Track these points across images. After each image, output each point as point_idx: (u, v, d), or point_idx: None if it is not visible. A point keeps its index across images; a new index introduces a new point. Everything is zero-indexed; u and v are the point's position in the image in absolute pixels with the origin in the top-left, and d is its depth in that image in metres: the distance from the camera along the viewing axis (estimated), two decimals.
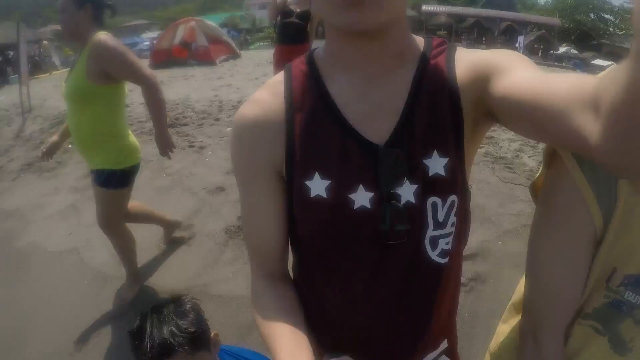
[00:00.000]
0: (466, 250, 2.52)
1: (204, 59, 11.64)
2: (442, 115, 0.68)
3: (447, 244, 0.73)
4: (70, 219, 3.69)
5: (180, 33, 12.43)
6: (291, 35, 4.12)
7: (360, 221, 0.69)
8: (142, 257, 2.92)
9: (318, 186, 0.68)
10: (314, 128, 0.69)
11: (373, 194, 0.68)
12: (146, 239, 3.10)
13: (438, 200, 0.69)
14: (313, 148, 0.69)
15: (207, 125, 5.51)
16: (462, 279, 2.84)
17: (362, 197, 0.68)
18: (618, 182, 0.65)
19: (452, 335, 0.91)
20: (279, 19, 4.15)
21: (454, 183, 0.69)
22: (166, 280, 2.81)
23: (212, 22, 15.66)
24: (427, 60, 0.70)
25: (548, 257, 0.76)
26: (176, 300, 1.29)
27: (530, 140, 5.05)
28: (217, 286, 2.74)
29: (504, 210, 3.49)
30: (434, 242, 0.72)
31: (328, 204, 0.68)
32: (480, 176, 4.09)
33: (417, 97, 0.68)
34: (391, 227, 0.68)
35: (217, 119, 5.67)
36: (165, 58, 11.75)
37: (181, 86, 8.12)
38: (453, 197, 0.69)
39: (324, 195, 0.68)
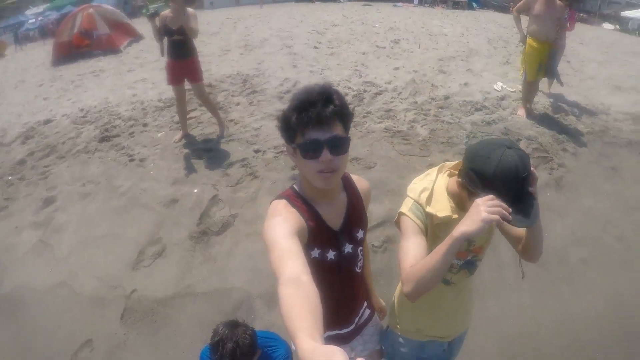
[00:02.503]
0: (377, 219, 3.51)
1: (108, 47, 11.48)
2: (359, 211, 1.73)
3: (360, 265, 1.82)
4: (44, 255, 4.05)
5: (79, 21, 12.10)
6: (179, 52, 4.87)
7: (331, 263, 1.65)
8: (126, 275, 3.60)
9: (315, 253, 1.60)
10: (313, 227, 1.54)
11: (336, 252, 1.65)
12: (125, 257, 3.75)
13: (359, 249, 1.76)
14: (313, 235, 1.55)
15: (138, 133, 5.74)
16: (377, 243, 3.85)
17: (331, 254, 1.64)
18: (427, 218, 1.66)
19: (368, 298, 2.06)
20: (165, 39, 4.86)
21: (364, 240, 1.79)
22: (155, 290, 3.50)
23: None
24: (347, 184, 1.71)
25: (410, 247, 1.63)
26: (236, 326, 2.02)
27: (423, 110, 5.96)
28: (199, 285, 3.50)
29: (403, 181, 4.34)
30: (358, 265, 1.80)
31: (318, 259, 1.61)
32: (382, 152, 4.95)
33: (349, 206, 1.68)
34: (343, 264, 1.71)
35: (145, 125, 5.95)
36: (68, 51, 11.45)
37: (94, 87, 8.13)
38: (361, 246, 1.78)
39: (317, 256, 1.61)
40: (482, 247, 1.82)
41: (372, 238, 3.84)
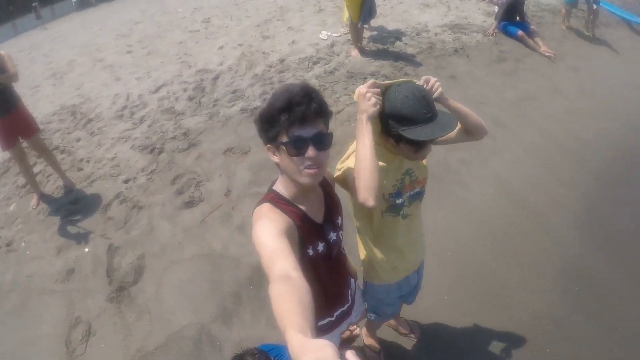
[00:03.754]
0: None
1: None
2: (334, 199, 1.83)
3: (343, 248, 1.96)
4: None
5: None
6: (3, 106, 4.02)
7: (323, 255, 1.75)
8: None
9: (309, 250, 1.69)
10: (300, 225, 1.60)
11: (324, 243, 1.74)
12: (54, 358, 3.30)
13: (341, 232, 1.87)
14: (302, 233, 1.62)
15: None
16: None
17: (321, 246, 1.73)
18: None
19: (352, 273, 2.22)
20: None
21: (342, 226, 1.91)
22: None
23: None
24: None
25: None
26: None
27: (266, 79, 5.91)
28: (148, 343, 3.06)
29: None
30: (342, 247, 1.93)
31: (312, 256, 1.70)
32: (250, 133, 4.78)
33: (326, 196, 1.78)
34: (333, 252, 1.81)
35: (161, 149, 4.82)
36: None
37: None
38: (342, 230, 1.89)
39: (312, 252, 1.70)
40: (425, 178, 2.10)
41: None
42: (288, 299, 1.07)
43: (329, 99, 5.42)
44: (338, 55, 6.50)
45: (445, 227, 3.92)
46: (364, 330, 3.02)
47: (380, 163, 1.76)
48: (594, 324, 3.49)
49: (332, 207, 1.81)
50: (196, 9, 8.76)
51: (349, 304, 2.10)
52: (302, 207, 1.65)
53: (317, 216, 1.73)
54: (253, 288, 3.29)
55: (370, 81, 1.74)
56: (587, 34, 9.35)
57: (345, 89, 5.65)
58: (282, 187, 1.65)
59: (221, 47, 6.97)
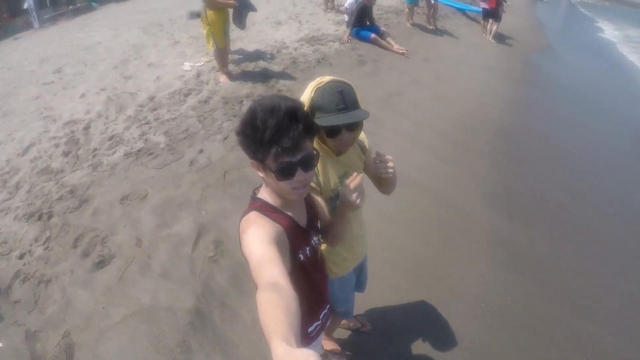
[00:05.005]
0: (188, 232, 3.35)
1: None
2: (312, 203, 1.84)
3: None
4: None
5: None
6: None
7: (311, 258, 1.75)
8: None
9: (301, 255, 1.68)
10: (290, 231, 1.56)
11: (308, 247, 1.73)
12: None
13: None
14: (292, 239, 1.58)
15: None
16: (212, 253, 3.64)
17: (307, 250, 1.72)
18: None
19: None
20: None
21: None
22: None
23: None
24: None
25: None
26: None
27: (141, 120, 5.54)
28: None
29: (179, 191, 4.28)
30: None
31: (303, 260, 1.69)
32: (141, 177, 4.52)
33: (305, 201, 1.76)
34: (318, 255, 1.86)
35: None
36: None
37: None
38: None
39: (302, 257, 1.69)
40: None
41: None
42: (275, 307, 1.03)
43: (210, 127, 5.24)
44: (207, 83, 6.30)
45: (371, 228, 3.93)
46: (322, 336, 2.98)
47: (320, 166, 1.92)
48: (521, 277, 4.13)
49: (311, 211, 1.80)
50: (43, 60, 7.90)
51: (328, 305, 2.11)
52: (290, 214, 1.61)
53: (302, 221, 1.71)
54: (198, 332, 3.04)
55: (358, 178, 1.70)
56: (430, 27, 10.30)
57: (224, 114, 5.50)
58: (267, 195, 1.61)
59: (83, 95, 6.36)
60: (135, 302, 3.24)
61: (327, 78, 1.83)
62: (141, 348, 2.95)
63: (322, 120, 1.74)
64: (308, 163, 1.45)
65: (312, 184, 1.87)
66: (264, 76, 6.43)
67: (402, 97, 6.79)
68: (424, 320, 3.52)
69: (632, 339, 3.94)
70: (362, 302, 2.95)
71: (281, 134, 1.35)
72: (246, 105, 5.65)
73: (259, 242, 1.36)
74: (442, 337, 3.41)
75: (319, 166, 1.91)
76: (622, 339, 3.89)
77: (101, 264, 3.57)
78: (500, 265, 4.27)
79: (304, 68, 6.85)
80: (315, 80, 1.83)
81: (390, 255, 3.90)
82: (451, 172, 5.51)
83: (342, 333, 3.23)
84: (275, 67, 6.73)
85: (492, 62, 10.34)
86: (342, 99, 1.76)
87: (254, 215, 1.53)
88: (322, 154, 1.89)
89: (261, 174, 1.52)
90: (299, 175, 1.44)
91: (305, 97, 1.81)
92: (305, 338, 1.95)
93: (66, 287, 3.38)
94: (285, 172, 1.42)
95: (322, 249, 2.18)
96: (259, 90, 6.00)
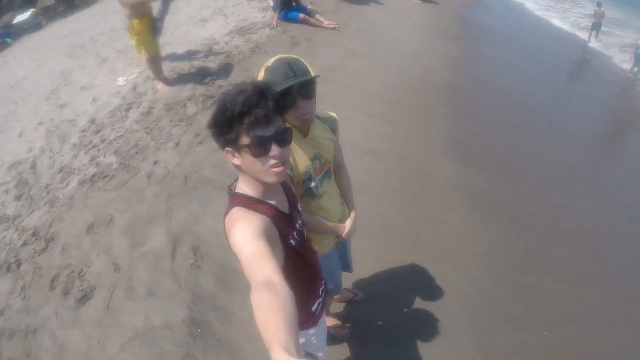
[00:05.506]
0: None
1: None
2: (288, 185, 1.80)
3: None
4: None
5: None
6: None
7: (300, 242, 1.72)
8: None
9: (291, 241, 1.65)
10: (276, 220, 1.53)
11: (295, 231, 1.69)
12: None
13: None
14: (280, 227, 1.55)
15: None
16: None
17: (295, 235, 1.68)
18: None
19: None
20: None
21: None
22: None
23: None
24: None
25: None
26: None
27: (87, 144, 5.24)
28: None
29: (143, 208, 4.07)
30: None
31: (295, 245, 1.67)
32: (99, 203, 4.28)
33: (283, 186, 1.72)
34: (305, 236, 1.86)
35: None
36: None
37: None
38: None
39: (294, 242, 1.66)
40: (331, 159, 2.16)
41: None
42: (271, 310, 0.99)
43: (159, 137, 5.02)
44: (145, 94, 6.01)
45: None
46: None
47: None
48: (494, 219, 4.38)
49: (290, 194, 1.77)
50: None
51: (323, 281, 2.08)
52: (272, 202, 1.56)
53: (285, 207, 1.66)
54: (199, 341, 2.94)
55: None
56: None
57: (170, 121, 5.27)
58: (246, 187, 1.54)
59: (21, 134, 5.94)
60: (129, 328, 3.10)
61: (274, 58, 1.82)
62: None
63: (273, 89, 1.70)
64: (282, 137, 1.41)
65: None
66: (202, 75, 6.18)
67: (342, 70, 6.70)
68: (410, 280, 3.58)
69: (597, 254, 4.21)
70: (348, 274, 2.92)
71: (251, 106, 1.33)
72: (190, 108, 5.44)
73: (247, 239, 1.30)
74: (432, 291, 3.50)
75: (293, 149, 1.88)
76: (589, 255, 4.15)
77: (84, 298, 3.39)
78: (471, 213, 4.36)
79: (240, 60, 6.62)
80: (263, 65, 1.82)
81: (363, 225, 3.89)
82: (403, 133, 5.55)
83: (337, 307, 3.21)
84: (210, 65, 6.47)
85: (422, 22, 10.37)
86: (291, 68, 1.74)
87: (237, 211, 1.46)
88: (298, 140, 1.91)
89: (237, 161, 1.46)
90: (275, 149, 1.39)
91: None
92: (311, 317, 1.93)
93: (55, 332, 3.20)
94: (260, 146, 1.37)
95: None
96: (200, 90, 5.76)
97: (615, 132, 7.92)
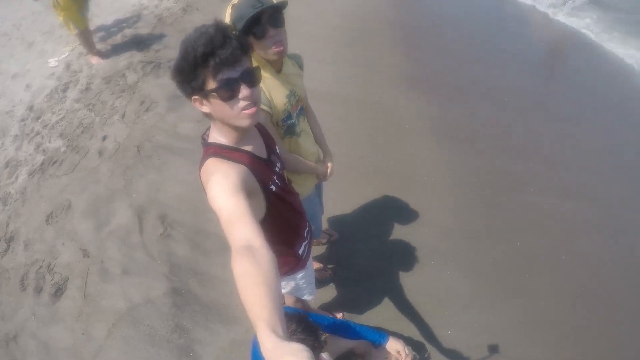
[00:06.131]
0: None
1: None
2: (264, 129, 1.64)
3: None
4: None
5: None
6: None
7: (280, 187, 1.56)
8: None
9: (272, 187, 1.51)
10: (253, 167, 1.38)
11: (275, 175, 1.54)
12: None
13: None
14: (259, 174, 1.41)
15: None
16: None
17: (275, 180, 1.53)
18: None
19: None
20: None
21: None
22: None
23: None
24: None
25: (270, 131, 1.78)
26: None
27: (29, 133, 4.73)
28: None
29: (100, 186, 3.67)
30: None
31: (276, 191, 1.52)
32: (54, 191, 3.88)
33: (259, 130, 1.58)
34: (285, 179, 1.70)
35: None
36: None
37: None
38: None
39: (275, 188, 1.52)
40: (304, 96, 2.06)
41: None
42: (254, 282, 0.89)
43: (103, 111, 4.56)
44: (81, 71, 5.45)
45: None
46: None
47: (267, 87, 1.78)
48: (466, 147, 4.32)
49: (267, 138, 1.62)
50: None
51: (307, 222, 1.95)
52: (248, 149, 1.43)
53: (262, 152, 1.52)
54: (185, 310, 2.73)
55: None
56: None
57: (112, 94, 4.80)
58: (219, 135, 1.39)
59: None
60: (112, 312, 2.85)
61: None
62: (140, 352, 2.63)
63: (242, 22, 1.59)
64: (251, 77, 1.27)
65: (264, 107, 1.74)
66: (136, 42, 5.64)
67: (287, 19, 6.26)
68: (381, 213, 3.52)
69: (558, 164, 4.06)
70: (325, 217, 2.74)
71: (215, 47, 1.18)
72: (130, 76, 4.98)
73: (224, 195, 1.17)
74: (404, 220, 3.39)
75: (264, 90, 1.76)
76: (553, 166, 4.16)
77: (59, 292, 3.09)
78: (431, 141, 4.28)
79: (172, 21, 6.08)
80: (229, 5, 1.68)
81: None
82: (353, 74, 5.30)
83: (316, 250, 3.05)
84: (143, 31, 5.91)
85: None
86: (258, 0, 1.59)
87: (212, 162, 1.33)
88: (265, 76, 1.76)
89: (206, 109, 1.31)
90: (244, 90, 1.25)
91: (226, 20, 1.64)
92: (299, 260, 1.83)
93: (36, 333, 2.91)
94: (228, 88, 1.23)
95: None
96: (137, 57, 5.26)
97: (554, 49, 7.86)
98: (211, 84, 1.23)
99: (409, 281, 3.00)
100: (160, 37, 5.78)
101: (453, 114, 4.79)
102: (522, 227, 3.49)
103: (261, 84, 1.63)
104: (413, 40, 6.47)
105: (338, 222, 3.30)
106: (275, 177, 1.55)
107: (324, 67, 5.32)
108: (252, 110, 1.29)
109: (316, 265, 2.87)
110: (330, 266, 2.97)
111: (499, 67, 6.03)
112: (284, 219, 1.65)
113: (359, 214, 3.42)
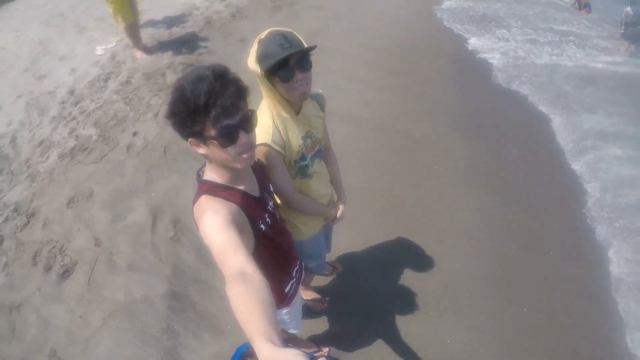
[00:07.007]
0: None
1: None
2: (260, 167, 1.74)
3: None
4: None
5: None
6: None
7: (271, 226, 1.67)
8: None
9: (261, 225, 1.62)
10: (244, 205, 1.48)
11: (266, 213, 1.66)
12: None
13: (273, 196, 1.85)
14: (249, 212, 1.52)
15: None
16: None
17: (266, 218, 1.64)
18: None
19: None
20: None
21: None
22: None
23: None
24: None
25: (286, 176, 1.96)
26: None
27: (66, 116, 5.09)
28: None
29: (124, 180, 4.03)
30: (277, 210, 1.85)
31: (265, 230, 1.63)
32: (80, 175, 4.21)
33: (254, 169, 1.64)
34: (277, 218, 1.79)
35: None
36: None
37: None
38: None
39: (264, 227, 1.63)
40: (322, 137, 2.10)
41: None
42: (249, 301, 0.98)
43: (138, 107, 4.90)
44: (124, 63, 5.84)
45: None
46: (300, 287, 2.97)
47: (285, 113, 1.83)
48: (468, 186, 4.02)
49: (261, 176, 1.72)
50: None
51: (299, 261, 2.07)
52: (241, 187, 1.52)
53: (255, 190, 1.62)
54: (179, 314, 2.95)
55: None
56: None
57: (149, 91, 5.14)
58: (213, 174, 1.49)
59: (0, 108, 5.83)
60: (111, 302, 3.10)
61: (266, 31, 1.73)
62: (129, 345, 2.85)
63: (270, 62, 1.64)
64: (248, 123, 1.36)
65: (277, 147, 1.80)
66: (181, 42, 6.01)
67: (326, 34, 6.53)
68: (391, 253, 3.56)
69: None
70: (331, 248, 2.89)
71: (216, 97, 1.26)
72: (169, 77, 5.30)
73: (216, 230, 1.26)
74: (413, 265, 3.46)
75: (280, 129, 1.82)
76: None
77: (66, 273, 3.37)
78: (455, 184, 4.30)
79: (220, 25, 6.44)
80: (256, 38, 1.73)
81: (349, 196, 3.89)
82: (386, 99, 5.43)
83: (319, 281, 3.20)
84: (190, 31, 6.29)
85: None
86: (286, 39, 1.66)
87: (205, 200, 1.42)
88: (283, 116, 1.83)
89: (202, 151, 1.40)
90: (242, 137, 1.34)
91: (251, 55, 1.72)
92: (285, 299, 1.92)
93: (39, 307, 3.19)
94: (227, 136, 1.32)
95: (287, 213, 2.14)
96: (179, 58, 5.61)
97: None
98: (210, 131, 1.31)
99: (405, 328, 3.08)
100: (205, 40, 6.12)
101: (486, 161, 4.84)
102: (532, 291, 3.53)
103: (278, 124, 1.80)
104: (464, 79, 6.54)
105: (345, 256, 3.43)
106: (266, 216, 1.64)
107: (361, 89, 5.51)
108: (249, 154, 1.40)
109: (313, 295, 3.03)
110: (327, 299, 3.11)
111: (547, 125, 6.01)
112: (272, 258, 1.72)
113: (368, 251, 3.54)
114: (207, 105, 1.26)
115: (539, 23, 9.54)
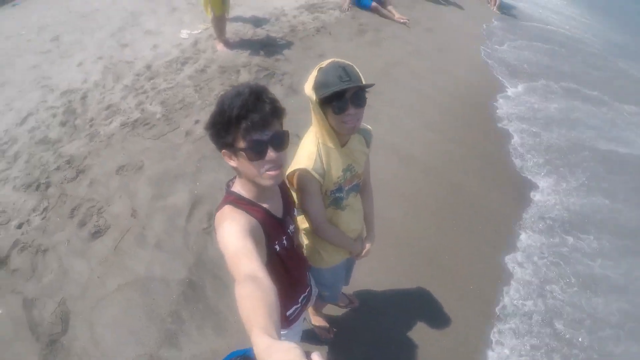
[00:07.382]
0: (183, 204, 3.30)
1: None
2: (287, 191, 1.83)
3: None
4: None
5: None
6: None
7: (287, 248, 1.71)
8: None
9: (277, 246, 1.66)
10: (265, 223, 1.55)
11: (285, 236, 1.69)
12: None
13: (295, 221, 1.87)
14: (268, 230, 1.57)
15: None
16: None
17: (284, 240, 1.68)
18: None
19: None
20: None
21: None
22: None
23: None
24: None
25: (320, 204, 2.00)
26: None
27: (138, 89, 5.40)
28: None
29: (176, 162, 4.25)
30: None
31: (280, 251, 1.67)
32: (138, 147, 4.44)
33: (281, 190, 1.74)
34: (294, 242, 1.82)
35: None
36: None
37: None
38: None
39: (279, 248, 1.66)
40: (362, 172, 2.13)
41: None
42: (254, 299, 1.03)
43: (206, 97, 5.14)
44: (204, 52, 6.14)
45: None
46: (310, 311, 3.01)
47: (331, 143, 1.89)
48: None
49: (287, 199, 1.78)
50: (41, 28, 7.65)
51: (309, 289, 2.09)
52: (265, 205, 1.59)
53: (278, 211, 1.68)
54: (190, 303, 3.05)
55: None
56: None
57: (221, 84, 5.37)
58: (241, 188, 1.57)
59: (80, 64, 6.19)
60: (130, 272, 3.24)
61: (328, 60, 1.79)
62: (134, 317, 2.98)
63: (326, 91, 1.70)
64: (279, 142, 1.43)
65: (316, 175, 1.85)
66: (262, 44, 6.26)
67: (403, 67, 6.64)
68: (411, 302, 3.52)
69: None
70: (352, 280, 2.93)
71: (248, 110, 1.35)
72: (243, 75, 5.53)
73: (233, 236, 1.33)
74: (429, 321, 3.40)
75: (324, 157, 1.87)
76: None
77: (97, 234, 3.55)
78: (495, 249, 4.20)
79: (303, 36, 6.67)
80: (317, 66, 1.80)
81: (380, 231, 3.88)
82: (455, 151, 5.39)
83: (333, 310, 3.23)
84: (273, 35, 6.54)
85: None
86: (346, 73, 1.71)
87: (228, 209, 1.49)
88: (328, 146, 1.88)
89: (233, 164, 1.48)
90: (271, 154, 1.41)
91: (309, 81, 1.78)
92: (285, 321, 1.93)
93: (63, 257, 3.38)
94: (256, 150, 1.39)
95: (312, 241, 2.21)
96: (257, 59, 5.84)
97: None
98: (241, 143, 1.39)
99: None
100: (286, 47, 6.34)
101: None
102: None
103: (322, 152, 1.87)
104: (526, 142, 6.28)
105: (364, 291, 3.43)
106: (284, 238, 1.68)
107: (423, 130, 5.49)
108: (275, 172, 1.45)
109: (322, 322, 3.05)
110: (334, 329, 3.12)
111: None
112: (280, 280, 1.71)
113: (388, 292, 3.51)
114: (239, 117, 1.35)
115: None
